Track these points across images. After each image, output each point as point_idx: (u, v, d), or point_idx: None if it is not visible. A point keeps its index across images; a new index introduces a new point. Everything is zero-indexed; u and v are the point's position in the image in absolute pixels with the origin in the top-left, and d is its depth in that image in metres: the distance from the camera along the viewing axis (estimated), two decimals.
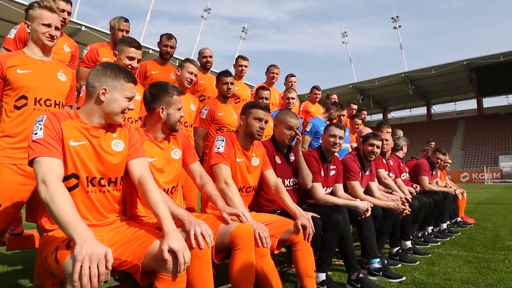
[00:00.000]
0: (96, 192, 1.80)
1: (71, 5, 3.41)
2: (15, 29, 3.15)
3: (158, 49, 4.20)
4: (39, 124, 1.67)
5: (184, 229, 1.87)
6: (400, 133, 6.26)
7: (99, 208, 1.82)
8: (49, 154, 1.61)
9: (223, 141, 2.62)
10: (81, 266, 1.34)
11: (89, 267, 1.35)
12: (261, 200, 2.97)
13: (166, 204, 1.80)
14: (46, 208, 1.54)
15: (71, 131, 1.73)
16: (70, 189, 1.70)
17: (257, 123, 2.67)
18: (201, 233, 1.84)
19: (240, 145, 2.72)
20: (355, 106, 6.80)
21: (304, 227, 2.55)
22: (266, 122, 2.72)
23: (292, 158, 3.20)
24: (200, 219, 1.95)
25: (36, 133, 1.64)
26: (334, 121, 5.46)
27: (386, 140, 4.66)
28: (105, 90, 1.78)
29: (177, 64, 4.29)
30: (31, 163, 1.62)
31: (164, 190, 2.16)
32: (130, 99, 1.86)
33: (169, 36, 4.12)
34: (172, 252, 1.59)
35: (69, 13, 3.34)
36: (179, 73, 3.50)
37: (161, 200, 1.78)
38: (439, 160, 5.85)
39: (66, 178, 1.70)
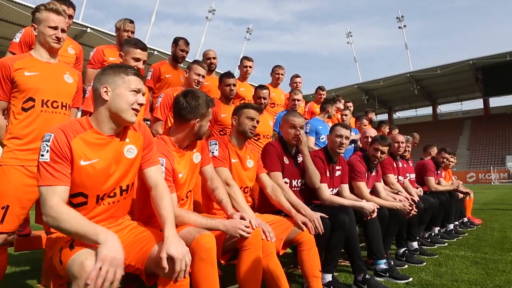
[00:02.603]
0: (106, 205, 1.78)
1: (74, 9, 3.43)
2: (20, 33, 3.18)
3: (171, 52, 4.24)
4: (46, 145, 1.59)
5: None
6: (395, 132, 6.23)
7: (109, 217, 1.81)
8: (53, 183, 1.56)
9: (216, 144, 2.65)
10: (100, 268, 1.37)
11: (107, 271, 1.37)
12: (267, 200, 2.96)
13: (173, 210, 1.80)
14: (59, 231, 1.54)
15: (81, 149, 1.65)
16: (77, 205, 1.69)
17: (249, 122, 2.74)
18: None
19: (233, 146, 2.77)
20: (349, 104, 6.67)
21: (304, 223, 2.59)
22: (258, 122, 2.80)
23: (300, 159, 3.20)
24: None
25: (42, 155, 1.59)
26: (337, 113, 5.46)
27: (402, 142, 4.61)
28: (107, 88, 1.70)
29: (182, 65, 4.33)
30: (37, 185, 1.60)
31: (180, 196, 2.19)
32: (137, 91, 1.75)
33: (187, 42, 4.19)
34: (171, 258, 1.57)
35: (71, 17, 3.36)
36: (187, 74, 3.54)
37: (170, 206, 1.80)
38: (444, 160, 5.80)
39: (72, 196, 1.67)
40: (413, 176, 5.13)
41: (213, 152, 2.62)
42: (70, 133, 1.64)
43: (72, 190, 1.65)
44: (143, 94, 1.82)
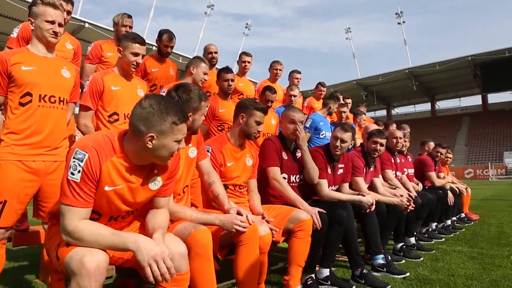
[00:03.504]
0: (116, 222, 1.80)
1: (72, 5, 3.41)
2: (18, 28, 3.16)
3: (157, 45, 4.03)
4: (79, 163, 1.55)
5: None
6: (393, 127, 6.23)
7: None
8: (78, 204, 1.55)
9: (209, 151, 2.59)
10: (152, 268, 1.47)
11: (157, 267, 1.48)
12: (267, 195, 2.97)
13: (164, 229, 1.77)
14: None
15: (109, 174, 1.62)
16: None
17: (256, 126, 2.70)
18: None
19: (231, 146, 2.71)
20: (349, 100, 6.66)
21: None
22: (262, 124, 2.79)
23: (299, 154, 3.20)
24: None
25: (73, 173, 1.54)
26: (334, 114, 5.43)
27: (400, 138, 4.61)
28: (152, 137, 1.58)
29: (176, 59, 4.27)
30: (61, 202, 1.58)
31: (176, 191, 2.20)
32: (180, 141, 1.67)
33: (171, 37, 3.94)
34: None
35: (69, 13, 3.34)
36: (194, 71, 3.49)
37: (165, 225, 1.79)
38: (438, 154, 5.76)
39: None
40: (411, 171, 5.14)
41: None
42: (103, 156, 1.60)
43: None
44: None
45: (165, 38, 3.94)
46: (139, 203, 1.79)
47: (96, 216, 1.69)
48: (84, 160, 1.55)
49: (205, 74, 3.51)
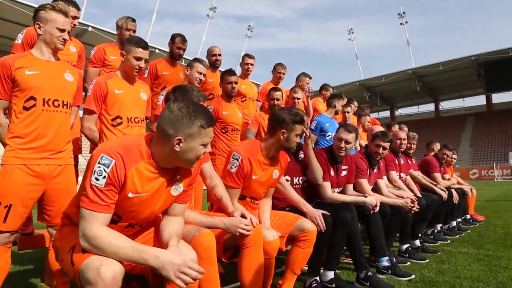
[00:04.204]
0: (133, 229, 1.80)
1: (79, 10, 3.45)
2: (22, 33, 3.18)
3: (169, 49, 4.21)
4: (104, 169, 1.53)
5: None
6: (396, 128, 6.21)
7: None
8: (100, 209, 1.53)
9: (237, 160, 2.48)
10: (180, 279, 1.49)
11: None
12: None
13: (179, 237, 1.78)
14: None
15: (134, 181, 1.61)
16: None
17: (296, 139, 2.58)
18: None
19: (262, 157, 2.58)
20: (355, 104, 6.65)
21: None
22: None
23: (301, 156, 3.19)
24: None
25: (97, 179, 1.52)
26: (340, 113, 5.41)
27: (404, 139, 4.59)
28: (180, 140, 1.58)
29: (179, 62, 4.32)
30: (81, 205, 1.55)
31: None
32: (206, 145, 1.67)
33: (184, 39, 4.14)
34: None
35: (77, 18, 3.39)
36: (188, 72, 3.51)
37: (181, 233, 1.80)
38: (445, 156, 5.81)
39: None
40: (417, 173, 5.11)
41: (231, 168, 2.49)
42: (129, 163, 1.59)
43: None
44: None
45: (178, 40, 4.10)
46: (159, 211, 1.78)
47: (116, 218, 1.66)
48: (111, 166, 1.54)
49: (200, 74, 3.46)
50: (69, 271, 1.57)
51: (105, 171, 1.53)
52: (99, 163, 1.54)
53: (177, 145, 1.58)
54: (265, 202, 2.76)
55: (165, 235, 1.72)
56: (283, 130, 2.54)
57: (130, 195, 1.62)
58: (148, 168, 1.64)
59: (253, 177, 2.52)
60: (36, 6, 2.38)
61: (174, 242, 1.67)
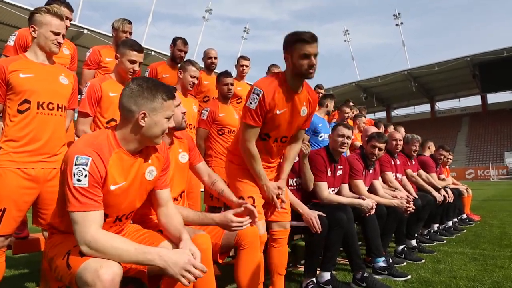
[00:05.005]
0: (122, 222, 1.81)
1: (72, 12, 3.43)
2: (14, 35, 3.16)
3: (170, 52, 4.24)
4: (83, 168, 1.52)
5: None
6: (391, 129, 6.23)
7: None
8: (91, 208, 1.51)
9: (258, 95, 2.27)
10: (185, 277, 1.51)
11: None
12: None
13: (184, 227, 1.82)
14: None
15: (114, 173, 1.62)
16: None
17: (305, 61, 2.25)
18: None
19: (287, 88, 2.34)
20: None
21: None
22: (316, 56, 2.28)
23: (296, 158, 3.19)
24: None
25: (79, 180, 1.51)
26: (337, 114, 5.42)
27: (400, 140, 4.61)
28: (144, 114, 1.62)
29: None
30: (71, 211, 1.52)
31: (173, 197, 2.17)
32: (170, 118, 1.72)
33: (185, 42, 4.19)
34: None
35: (70, 20, 3.38)
36: (182, 75, 3.47)
37: (181, 224, 1.84)
38: (442, 157, 5.86)
39: None
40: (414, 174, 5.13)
41: (250, 104, 2.29)
42: (105, 155, 1.59)
43: None
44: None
45: (180, 42, 4.17)
46: (139, 198, 1.80)
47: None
48: (89, 164, 1.53)
49: (193, 77, 3.41)
50: (64, 276, 1.54)
51: (84, 169, 1.52)
52: (75, 164, 1.52)
53: (142, 120, 1.63)
54: (292, 148, 2.59)
55: (172, 231, 1.80)
56: (286, 55, 2.33)
57: (112, 187, 1.63)
58: (121, 156, 1.66)
59: (277, 111, 2.32)
60: (32, 9, 2.36)
61: (187, 236, 1.73)
